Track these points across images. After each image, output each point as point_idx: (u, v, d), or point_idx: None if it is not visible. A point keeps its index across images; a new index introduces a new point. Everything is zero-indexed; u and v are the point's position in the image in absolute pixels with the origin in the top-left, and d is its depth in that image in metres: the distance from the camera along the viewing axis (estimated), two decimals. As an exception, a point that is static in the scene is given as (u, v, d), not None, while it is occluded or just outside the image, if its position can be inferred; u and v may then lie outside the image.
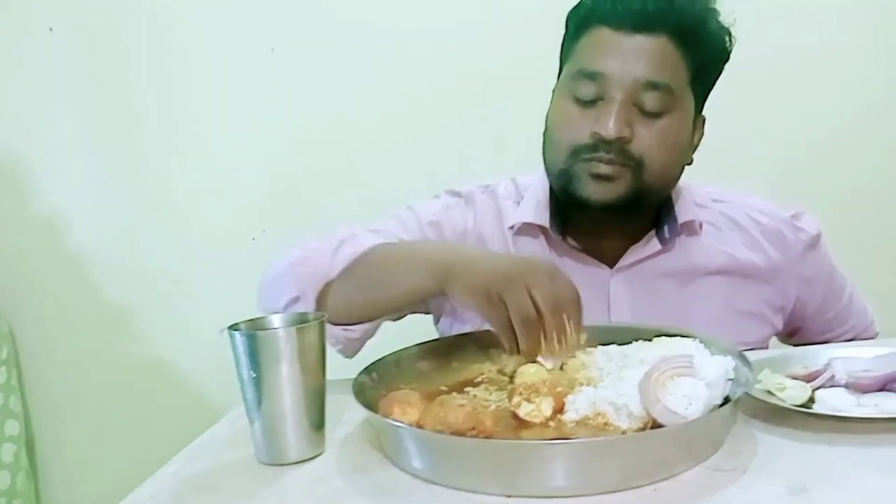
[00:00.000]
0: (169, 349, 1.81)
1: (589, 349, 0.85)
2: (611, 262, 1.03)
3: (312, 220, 1.71)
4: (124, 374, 1.85)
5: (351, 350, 0.97)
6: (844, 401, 0.70)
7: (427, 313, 1.10)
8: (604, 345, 0.85)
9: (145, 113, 1.78)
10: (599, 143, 0.93)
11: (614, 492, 0.60)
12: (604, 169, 0.93)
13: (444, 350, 0.90)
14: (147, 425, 1.77)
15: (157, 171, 1.80)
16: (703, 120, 1.02)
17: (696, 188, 1.07)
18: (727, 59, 0.99)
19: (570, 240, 1.03)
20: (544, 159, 1.01)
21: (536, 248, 1.04)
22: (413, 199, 1.13)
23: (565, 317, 0.76)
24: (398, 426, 0.67)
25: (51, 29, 1.76)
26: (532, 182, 1.06)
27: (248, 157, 1.78)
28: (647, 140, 0.93)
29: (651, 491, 0.61)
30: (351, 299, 0.93)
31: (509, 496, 0.61)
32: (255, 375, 0.70)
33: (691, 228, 1.03)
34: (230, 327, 0.72)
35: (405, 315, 1.04)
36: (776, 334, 1.09)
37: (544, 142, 1.00)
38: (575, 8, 0.99)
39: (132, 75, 1.77)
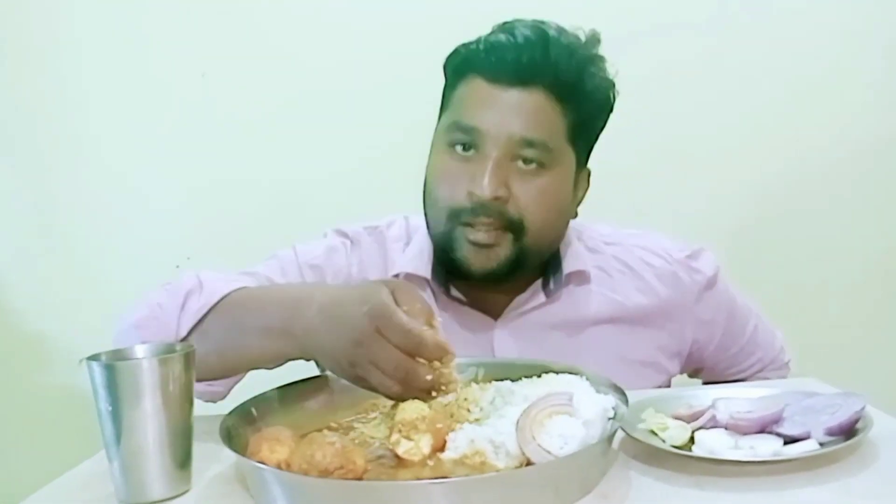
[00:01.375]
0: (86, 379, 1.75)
1: (484, 385, 0.83)
2: (496, 313, 1.00)
3: (239, 248, 1.70)
4: (38, 405, 1.78)
5: (217, 398, 0.91)
6: (722, 442, 0.69)
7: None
8: (498, 380, 0.83)
9: (65, 135, 1.74)
10: (477, 206, 0.90)
11: (473, 537, 0.58)
12: (482, 237, 0.91)
13: (336, 384, 0.87)
14: (61, 457, 1.70)
15: (76, 195, 1.76)
16: (588, 173, 1.00)
17: (588, 231, 1.06)
18: (610, 110, 0.97)
19: (453, 291, 1.00)
20: (426, 216, 0.98)
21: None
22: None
23: (436, 363, 0.71)
24: (255, 466, 0.63)
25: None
26: (421, 226, 1.02)
27: (175, 182, 1.75)
28: (525, 199, 0.91)
29: (512, 536, 0.58)
30: (207, 359, 0.82)
31: (366, 539, 0.58)
32: (111, 409, 0.66)
33: (580, 278, 1.00)
34: (89, 358, 0.68)
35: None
36: (674, 377, 1.07)
37: (424, 196, 0.97)
38: (451, 55, 0.96)
39: (52, 94, 1.73)
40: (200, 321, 0.85)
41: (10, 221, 1.76)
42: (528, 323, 0.99)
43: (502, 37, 0.91)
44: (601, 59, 0.94)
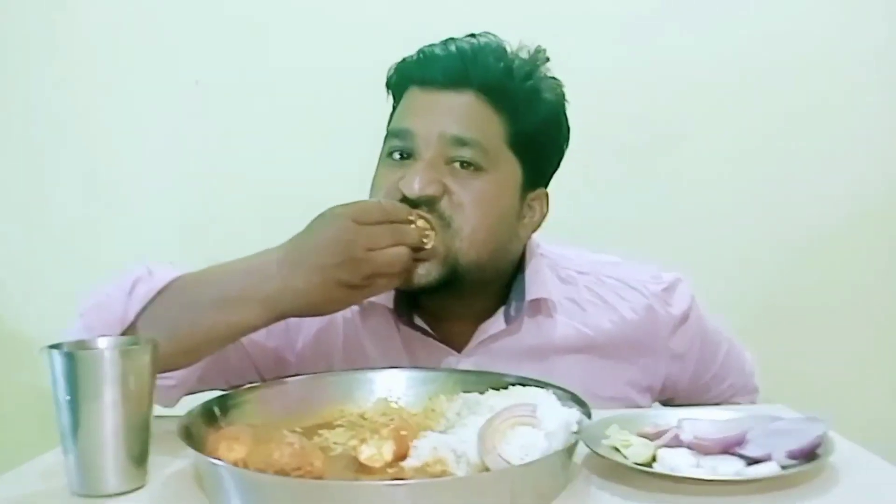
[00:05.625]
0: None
1: (452, 396, 0.83)
2: (460, 345, 0.97)
3: (222, 257, 1.70)
4: (23, 404, 1.75)
5: (169, 399, 0.88)
6: (684, 461, 0.68)
7: None
8: (467, 392, 0.83)
9: (56, 138, 1.74)
10: (407, 203, 0.88)
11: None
12: None
13: (303, 389, 0.86)
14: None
15: (66, 198, 1.76)
16: (545, 196, 0.97)
17: (563, 261, 1.01)
18: (560, 128, 0.95)
19: (417, 320, 0.97)
20: None
21: (384, 329, 0.98)
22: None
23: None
24: (209, 462, 0.62)
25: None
26: None
27: (164, 189, 1.76)
28: (460, 198, 0.88)
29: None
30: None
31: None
32: (69, 399, 0.66)
33: (544, 307, 0.97)
34: (50, 346, 0.68)
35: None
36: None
37: None
38: (390, 73, 0.97)
39: (45, 97, 1.74)
40: (148, 306, 0.82)
41: (2, 224, 1.76)
42: (492, 353, 0.96)
43: (437, 48, 0.93)
44: (545, 74, 0.94)
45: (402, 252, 0.81)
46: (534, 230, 0.98)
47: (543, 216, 0.98)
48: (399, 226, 0.82)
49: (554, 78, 0.95)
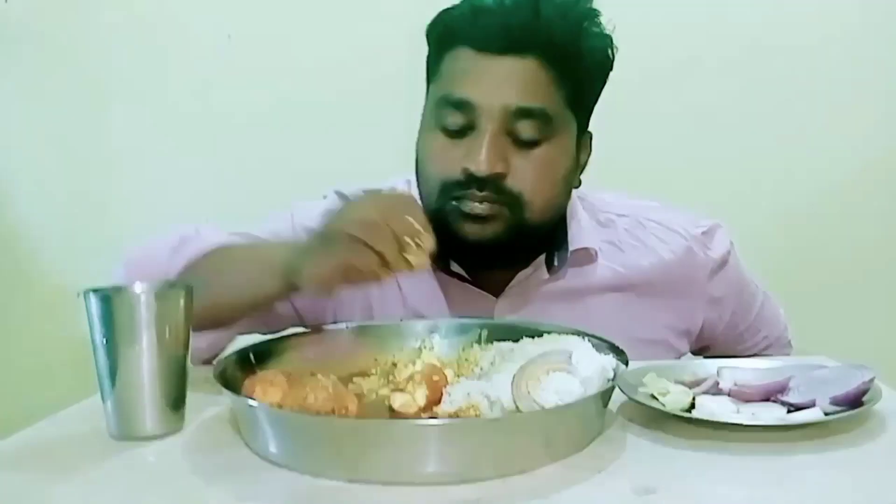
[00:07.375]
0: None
1: (486, 345, 0.83)
2: (497, 290, 0.96)
3: (258, 212, 1.70)
4: (54, 355, 1.80)
5: (196, 359, 0.85)
6: (724, 408, 0.67)
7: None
8: (500, 341, 0.82)
9: (96, 92, 1.75)
10: (471, 181, 0.85)
11: (459, 483, 0.57)
12: (477, 208, 0.86)
13: (337, 338, 0.86)
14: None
15: (104, 153, 1.77)
16: (590, 136, 0.95)
17: (602, 204, 1.00)
18: (611, 67, 0.91)
19: (454, 266, 0.95)
20: (419, 193, 0.92)
21: (421, 273, 0.92)
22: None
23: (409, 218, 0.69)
24: (245, 402, 0.63)
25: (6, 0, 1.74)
26: None
27: (199, 144, 1.76)
28: (525, 174, 0.86)
29: (499, 483, 0.57)
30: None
31: (351, 481, 0.57)
32: (106, 341, 0.66)
33: (586, 256, 0.96)
34: (88, 290, 0.68)
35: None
36: (684, 355, 1.04)
37: (417, 174, 0.92)
38: (433, 23, 0.90)
39: (85, 51, 1.74)
40: (190, 267, 0.84)
41: (42, 180, 1.79)
42: (530, 296, 0.96)
43: (489, 0, 0.85)
44: (596, 13, 0.88)
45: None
46: (581, 173, 0.96)
47: (588, 157, 0.96)
48: (382, 233, 0.69)
49: (597, 11, 0.89)
